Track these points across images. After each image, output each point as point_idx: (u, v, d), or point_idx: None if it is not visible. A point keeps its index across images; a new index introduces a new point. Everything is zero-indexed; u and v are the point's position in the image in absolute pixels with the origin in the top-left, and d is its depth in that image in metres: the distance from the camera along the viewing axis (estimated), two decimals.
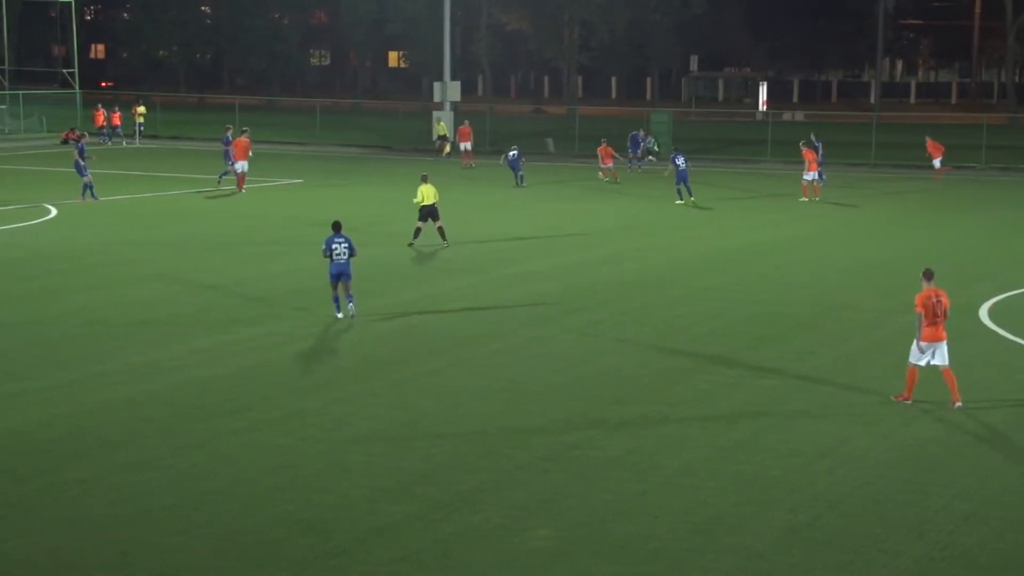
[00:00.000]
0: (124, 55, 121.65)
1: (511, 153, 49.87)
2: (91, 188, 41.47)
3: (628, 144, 56.72)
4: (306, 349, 22.19)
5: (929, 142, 53.52)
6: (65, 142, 65.56)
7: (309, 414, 18.25)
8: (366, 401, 18.97)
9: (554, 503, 14.85)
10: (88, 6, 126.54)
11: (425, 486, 15.33)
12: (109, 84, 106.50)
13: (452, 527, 14.06)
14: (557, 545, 13.62)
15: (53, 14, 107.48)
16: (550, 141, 66.40)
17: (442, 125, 63.59)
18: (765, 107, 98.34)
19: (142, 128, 68.53)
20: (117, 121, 67.18)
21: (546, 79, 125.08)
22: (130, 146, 65.80)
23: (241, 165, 44.73)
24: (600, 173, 51.43)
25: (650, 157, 57.67)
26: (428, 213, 33.04)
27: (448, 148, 61.25)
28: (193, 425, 17.61)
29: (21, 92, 72.35)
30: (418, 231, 33.14)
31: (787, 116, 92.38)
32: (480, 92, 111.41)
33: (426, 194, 32.94)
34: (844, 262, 31.88)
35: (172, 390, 19.33)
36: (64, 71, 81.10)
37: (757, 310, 25.82)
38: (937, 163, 53.23)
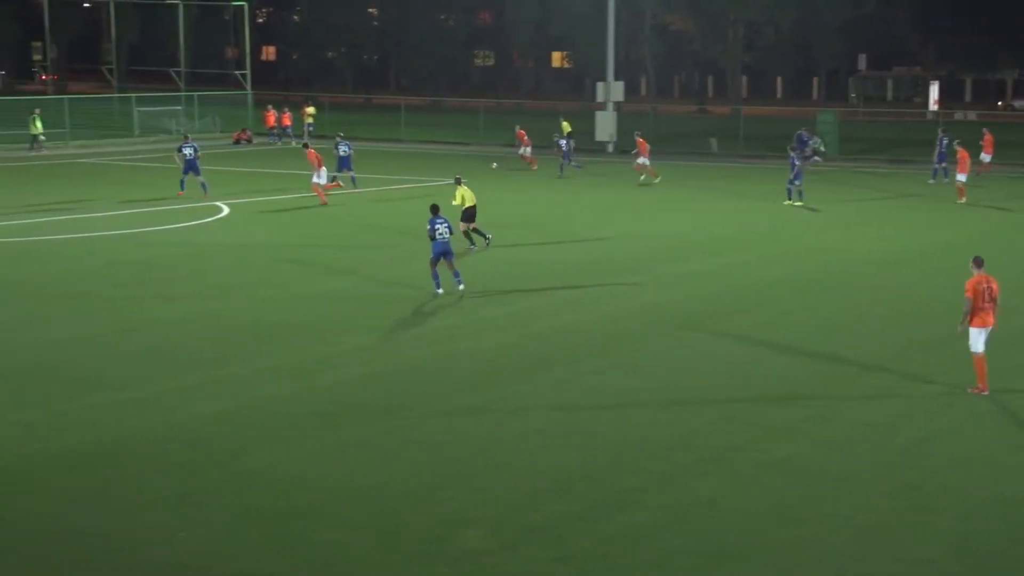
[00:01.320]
0: (294, 57, 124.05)
1: (562, 141, 51.71)
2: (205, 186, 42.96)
3: (794, 144, 55.96)
4: (465, 348, 22.33)
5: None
6: (237, 142, 67.21)
7: (470, 412, 18.38)
8: (526, 400, 19.02)
9: (714, 506, 14.71)
10: (260, 9, 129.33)
11: (586, 485, 15.32)
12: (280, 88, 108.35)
13: (613, 527, 14.03)
14: (717, 547, 13.50)
15: (227, 17, 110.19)
16: (714, 141, 65.86)
17: (565, 125, 63.86)
18: (936, 107, 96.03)
19: (311, 128, 69.71)
20: (287, 122, 68.62)
21: (710, 79, 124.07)
22: (299, 146, 67.02)
23: (320, 174, 42.34)
24: (636, 167, 49.98)
25: (816, 158, 56.85)
26: (470, 215, 32.71)
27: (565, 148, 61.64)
28: (357, 421, 17.86)
29: (196, 93, 74.23)
30: (476, 231, 32.87)
31: (959, 116, 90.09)
32: (643, 92, 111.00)
33: (466, 196, 32.50)
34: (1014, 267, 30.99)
35: (337, 387, 19.63)
36: (237, 73, 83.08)
37: (920, 314, 25.25)
38: (986, 158, 51.15)
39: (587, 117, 70.65)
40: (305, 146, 43.81)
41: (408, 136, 70.18)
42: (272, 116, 68.57)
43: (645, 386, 19.86)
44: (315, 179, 42.06)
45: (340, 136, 48.28)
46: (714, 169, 56.34)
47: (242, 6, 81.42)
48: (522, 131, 56.29)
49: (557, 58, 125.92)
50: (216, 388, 19.37)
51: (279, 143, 67.42)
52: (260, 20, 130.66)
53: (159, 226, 36.17)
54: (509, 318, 24.76)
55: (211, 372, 20.27)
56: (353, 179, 45.85)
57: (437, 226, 26.12)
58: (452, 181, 34.59)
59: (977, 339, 19.03)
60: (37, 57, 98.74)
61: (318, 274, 29.15)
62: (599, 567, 13.06)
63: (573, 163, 53.64)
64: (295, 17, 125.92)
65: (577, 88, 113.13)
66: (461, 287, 26.40)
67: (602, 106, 66.95)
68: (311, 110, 70.73)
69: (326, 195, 42.11)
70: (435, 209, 26.54)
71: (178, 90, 77.82)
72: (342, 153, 45.89)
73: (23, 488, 14.90)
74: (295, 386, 19.54)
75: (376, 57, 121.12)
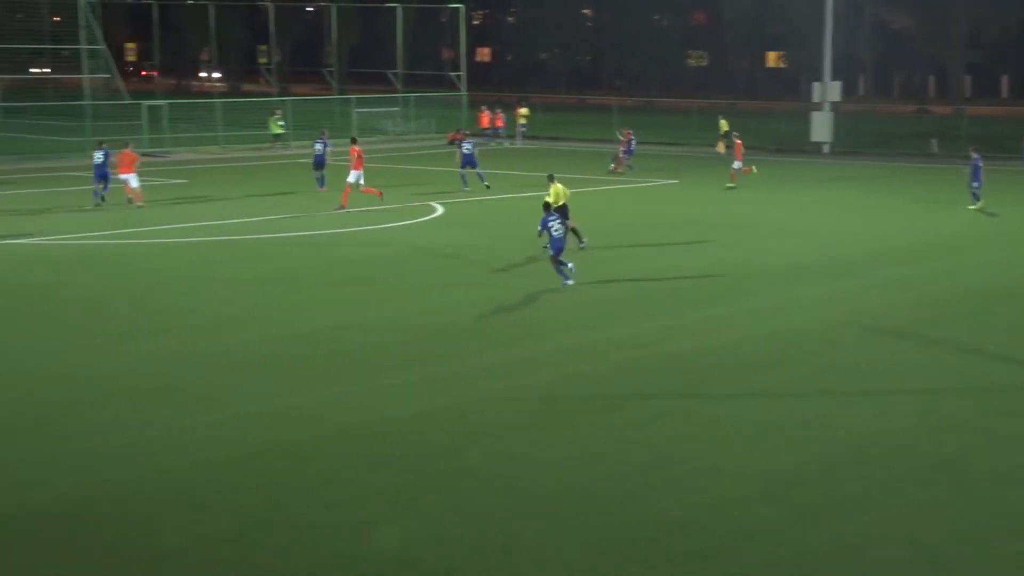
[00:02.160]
0: (508, 58, 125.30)
1: (630, 141, 52.31)
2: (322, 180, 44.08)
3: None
4: (677, 349, 22.21)
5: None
6: (452, 143, 68.18)
7: (683, 413, 18.29)
8: (738, 403, 18.84)
9: (934, 516, 14.32)
10: (476, 11, 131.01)
11: (797, 491, 15.09)
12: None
13: (826, 534, 13.78)
14: (938, 560, 13.14)
15: (443, 19, 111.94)
16: (934, 142, 64.11)
17: (724, 123, 63.25)
18: None
19: (524, 129, 70.27)
20: (500, 123, 69.24)
21: (931, 78, 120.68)
22: (512, 147, 67.67)
23: (355, 175, 40.80)
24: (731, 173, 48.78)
25: None
26: (562, 214, 32.33)
27: (723, 147, 61.00)
28: (568, 420, 17.95)
29: (413, 94, 75.60)
30: (572, 230, 32.19)
31: None
32: (861, 92, 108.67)
33: (559, 194, 31.96)
34: None
35: (548, 385, 19.75)
36: (452, 74, 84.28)
37: None
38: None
39: (802, 118, 69.54)
40: (353, 140, 42.91)
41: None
42: (486, 117, 69.31)
43: (862, 389, 19.46)
44: (350, 179, 40.54)
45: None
46: (934, 171, 54.77)
47: (459, 8, 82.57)
48: (628, 132, 55.17)
49: (772, 57, 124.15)
50: (429, 385, 19.67)
51: (492, 143, 68.15)
52: (476, 22, 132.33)
53: (374, 226, 36.88)
54: (724, 320, 24.55)
55: (425, 369, 20.59)
56: (480, 175, 45.93)
57: (550, 223, 27.01)
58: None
59: None
60: (262, 60, 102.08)
61: (524, 274, 29.34)
62: (810, 575, 12.84)
63: (626, 163, 53.40)
64: (510, 19, 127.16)
65: (792, 88, 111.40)
66: (571, 268, 27.17)
67: (818, 106, 65.83)
68: (524, 111, 71.33)
69: (348, 199, 40.26)
70: (546, 206, 27.95)
71: (395, 91, 79.40)
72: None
73: (252, 478, 15.37)
74: (507, 384, 19.71)
75: (589, 58, 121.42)
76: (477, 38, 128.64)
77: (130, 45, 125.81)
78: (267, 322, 23.95)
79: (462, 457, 16.30)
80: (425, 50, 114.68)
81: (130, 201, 40.53)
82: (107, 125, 60.45)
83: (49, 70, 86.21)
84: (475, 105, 76.84)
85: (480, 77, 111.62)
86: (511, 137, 69.28)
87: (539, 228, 27.70)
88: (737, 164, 48.28)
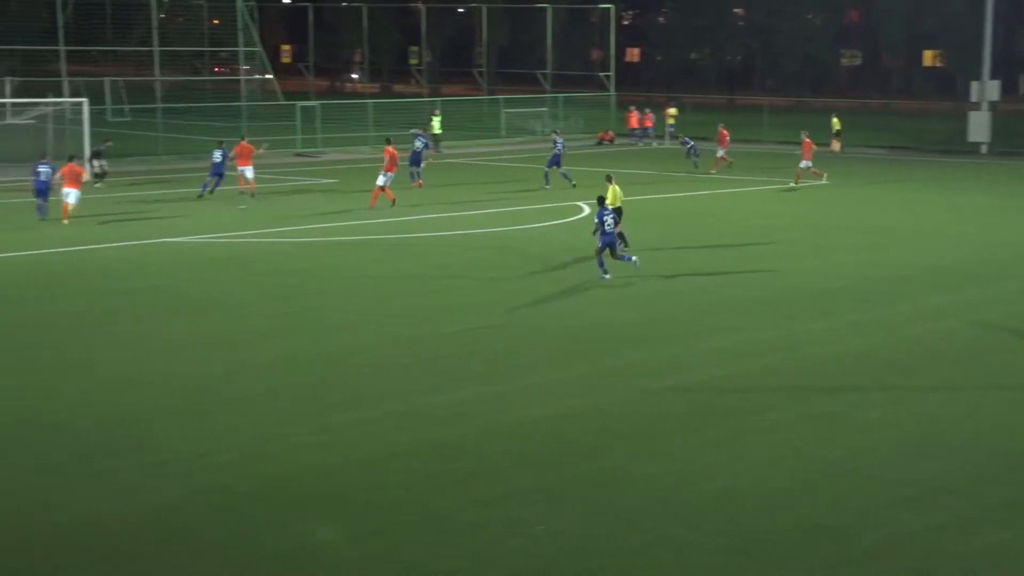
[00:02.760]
0: (658, 58, 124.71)
1: (688, 141, 52.34)
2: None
3: None
4: (826, 352, 21.91)
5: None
6: (600, 143, 68.18)
7: (829, 416, 18.04)
8: (887, 408, 18.53)
9: None
10: (627, 11, 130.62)
11: (949, 497, 14.78)
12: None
13: (979, 542, 13.48)
14: None
15: (593, 20, 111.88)
16: None
17: (836, 121, 62.61)
18: None
19: (673, 130, 69.74)
20: (649, 123, 68.99)
21: None
22: (660, 147, 67.38)
23: (386, 178, 40.28)
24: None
25: None
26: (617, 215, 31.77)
27: (838, 146, 60.13)
28: (711, 422, 17.83)
29: (561, 95, 75.73)
30: (619, 235, 31.91)
31: None
32: (1021, 91, 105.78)
33: (614, 196, 31.45)
34: None
35: (692, 386, 19.64)
36: (601, 74, 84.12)
37: None
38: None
39: (959, 118, 67.98)
40: (388, 141, 42.71)
41: (770, 137, 69.34)
42: (634, 117, 69.09)
43: (1020, 397, 18.98)
44: (379, 181, 40.10)
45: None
46: None
47: (609, 8, 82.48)
48: (725, 130, 54.26)
49: (928, 56, 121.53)
50: (575, 385, 19.70)
51: (640, 144, 67.91)
52: (626, 22, 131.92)
53: (521, 225, 37.03)
54: (874, 323, 24.16)
55: (571, 369, 20.63)
56: (565, 175, 45.72)
57: (605, 217, 27.87)
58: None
59: None
60: (413, 61, 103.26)
61: (667, 275, 29.20)
62: None
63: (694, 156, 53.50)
64: (660, 19, 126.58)
65: (948, 88, 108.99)
66: (635, 259, 28.22)
67: (976, 106, 64.30)
68: (673, 111, 70.86)
69: (378, 200, 39.80)
70: (601, 201, 28.89)
71: (544, 92, 79.61)
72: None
73: (398, 476, 15.56)
74: (653, 384, 19.65)
75: (740, 57, 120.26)
76: (627, 38, 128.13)
77: (285, 47, 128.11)
78: (416, 321, 24.20)
79: (606, 457, 16.30)
80: (575, 50, 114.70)
81: (242, 193, 42.00)
82: (262, 126, 61.72)
83: (217, 70, 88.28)
84: (623, 105, 76.61)
85: (629, 77, 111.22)
86: (660, 137, 68.98)
87: (595, 222, 28.39)
88: (805, 163, 47.27)
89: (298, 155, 59.12)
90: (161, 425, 17.41)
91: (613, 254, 28.10)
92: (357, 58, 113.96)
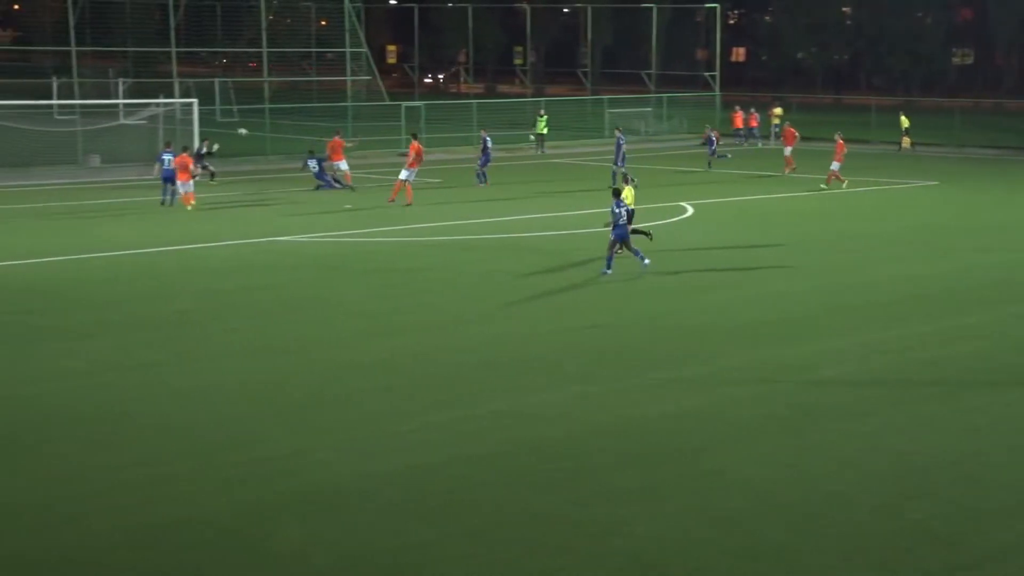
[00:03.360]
0: (763, 58, 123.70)
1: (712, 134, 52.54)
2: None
3: None
4: (940, 354, 21.56)
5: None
6: (704, 143, 67.68)
7: (937, 420, 17.73)
8: (1000, 412, 18.17)
9: None
10: (732, 10, 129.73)
11: None
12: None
13: None
14: None
15: (699, 19, 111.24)
16: None
17: (904, 119, 61.71)
18: None
19: (778, 130, 69.23)
20: (754, 123, 68.45)
21: None
22: (764, 147, 66.77)
23: (409, 173, 41.31)
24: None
25: None
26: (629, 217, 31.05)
27: (907, 143, 59.00)
28: (818, 425, 17.60)
29: (665, 95, 75.40)
30: (634, 231, 31.22)
31: None
32: None
33: (628, 196, 30.81)
34: None
35: (799, 389, 19.42)
36: (706, 74, 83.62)
37: None
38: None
39: None
40: (414, 136, 43.63)
41: (877, 137, 68.41)
42: (739, 117, 68.59)
43: None
44: (402, 176, 41.00)
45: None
46: None
47: (715, 8, 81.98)
48: (791, 129, 53.31)
49: None
50: (680, 386, 19.59)
51: (745, 144, 67.37)
52: (732, 21, 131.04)
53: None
54: (981, 327, 23.73)
55: (676, 370, 20.52)
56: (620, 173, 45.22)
57: (618, 210, 28.28)
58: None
59: None
60: (518, 61, 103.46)
61: (774, 276, 28.94)
62: None
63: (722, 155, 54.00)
64: (766, 18, 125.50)
65: None
66: (647, 262, 28.47)
67: None
68: (778, 111, 70.24)
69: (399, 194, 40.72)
70: (616, 194, 29.06)
71: (648, 92, 79.32)
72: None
73: (500, 474, 15.57)
74: (757, 387, 19.48)
75: (847, 56, 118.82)
76: (732, 38, 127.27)
77: (391, 47, 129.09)
78: (517, 321, 24.22)
79: (710, 458, 16.17)
80: (679, 50, 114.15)
81: (342, 184, 44.38)
82: (367, 126, 62.20)
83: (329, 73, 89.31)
84: (729, 105, 76.06)
85: (734, 77, 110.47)
86: (765, 137, 68.38)
87: (611, 216, 28.59)
88: (836, 165, 46.23)
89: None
90: (268, 423, 17.58)
91: (628, 247, 28.55)
92: (461, 58, 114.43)
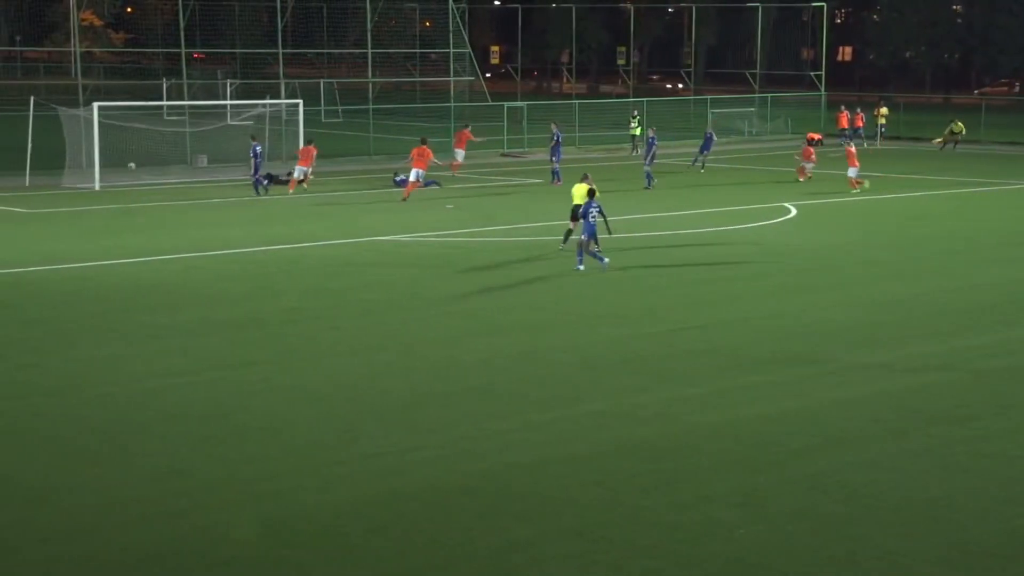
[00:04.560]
0: (871, 57, 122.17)
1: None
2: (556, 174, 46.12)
3: None
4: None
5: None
6: (810, 143, 66.93)
7: (973, 440, 17.45)
8: None
9: None
10: (840, 9, 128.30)
11: None
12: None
13: None
14: None
15: (805, 18, 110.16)
16: None
17: (958, 125, 61.00)
18: None
19: (884, 130, 68.48)
20: (860, 123, 67.51)
21: None
22: (871, 147, 65.91)
23: (416, 173, 42.74)
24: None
25: None
26: (576, 214, 30.76)
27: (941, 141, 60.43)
28: (922, 429, 17.41)
29: (769, 95, 74.82)
30: (567, 233, 31.22)
31: None
32: None
33: (575, 194, 30.86)
34: None
35: (903, 393, 19.21)
36: (811, 74, 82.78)
37: None
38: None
39: None
40: (423, 141, 44.17)
41: (988, 137, 67.28)
42: (844, 117, 67.67)
43: None
44: (411, 176, 42.76)
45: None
46: None
47: (822, 7, 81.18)
48: (810, 144, 52.75)
49: None
50: (782, 388, 19.48)
51: (850, 144, 66.50)
52: (838, 20, 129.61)
53: (728, 227, 36.71)
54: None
55: (779, 372, 20.40)
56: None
57: (592, 209, 28.53)
58: None
59: None
60: (621, 61, 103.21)
61: (878, 278, 28.64)
62: None
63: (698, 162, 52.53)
64: (875, 16, 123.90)
65: None
66: (606, 260, 28.70)
67: None
68: (884, 111, 69.39)
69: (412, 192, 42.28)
70: (591, 193, 29.23)
71: (752, 91, 78.73)
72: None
73: (598, 475, 15.61)
74: (859, 390, 19.30)
75: (957, 56, 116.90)
76: (839, 37, 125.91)
77: (494, 48, 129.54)
78: (619, 321, 24.22)
79: (810, 462, 16.06)
80: (785, 49, 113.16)
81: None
82: (469, 126, 62.46)
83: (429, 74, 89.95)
84: (834, 105, 75.16)
85: (841, 76, 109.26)
86: (871, 138, 67.51)
87: (593, 213, 28.67)
88: (853, 171, 45.22)
89: (504, 155, 59.71)
90: (370, 420, 17.78)
91: (586, 247, 28.73)
92: (564, 58, 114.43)
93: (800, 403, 18.68)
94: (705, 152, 52.03)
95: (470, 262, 30.72)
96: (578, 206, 30.29)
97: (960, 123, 64.12)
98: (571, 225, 31.17)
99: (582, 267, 28.86)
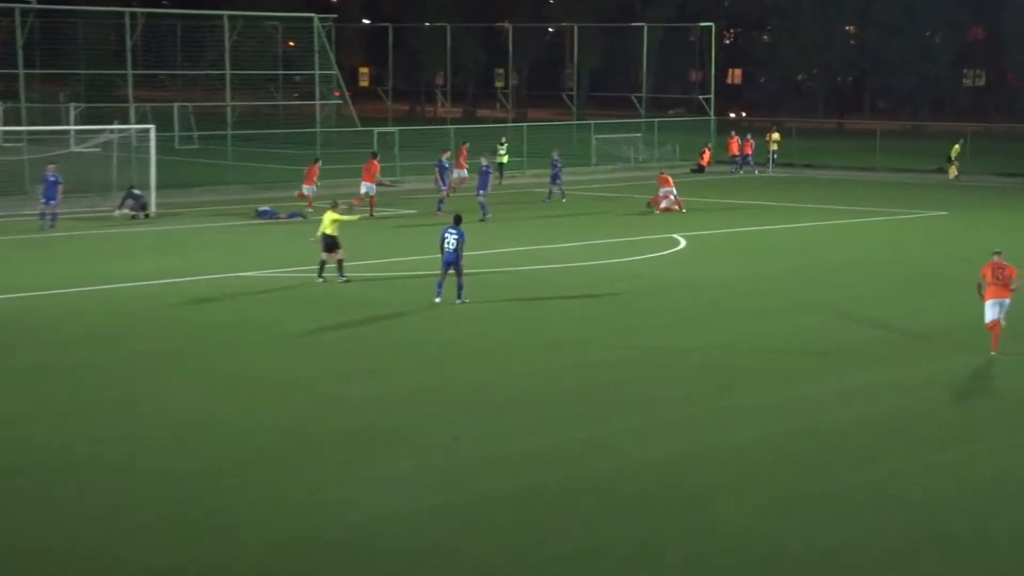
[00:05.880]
0: (761, 80, 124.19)
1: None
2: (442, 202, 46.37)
3: None
4: (956, 393, 21.72)
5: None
6: (699, 170, 67.84)
7: (952, 467, 17.81)
8: (1001, 459, 18.32)
9: None
10: (728, 29, 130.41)
11: None
12: (739, 114, 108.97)
13: None
14: None
15: (692, 39, 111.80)
16: None
17: (956, 147, 63.32)
18: None
19: (775, 156, 69.49)
20: (749, 149, 68.55)
21: None
22: (762, 175, 66.97)
23: (367, 187, 46.82)
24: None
25: None
26: (328, 244, 31.53)
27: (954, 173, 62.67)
28: (822, 472, 17.67)
29: (656, 120, 75.55)
30: (322, 265, 31.75)
31: None
32: None
33: (325, 222, 31.56)
34: None
35: (803, 432, 19.48)
36: (699, 97, 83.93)
37: None
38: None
39: None
40: (373, 155, 48.48)
41: (883, 164, 68.77)
42: (735, 143, 68.73)
43: None
44: (363, 189, 46.69)
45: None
46: None
47: (710, 27, 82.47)
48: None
49: None
50: (678, 429, 19.68)
51: (740, 172, 67.57)
52: (727, 41, 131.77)
53: (617, 259, 36.93)
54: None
55: (664, 413, 20.62)
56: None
57: (446, 236, 28.66)
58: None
59: (989, 312, 24.32)
60: (499, 84, 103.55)
61: (784, 309, 29.07)
62: None
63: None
64: (765, 37, 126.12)
65: None
66: (459, 301, 28.66)
67: None
68: (776, 136, 70.32)
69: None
70: (457, 219, 29.20)
71: (638, 116, 79.51)
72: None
73: (478, 523, 15.54)
74: (759, 431, 19.51)
75: (851, 79, 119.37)
76: (728, 58, 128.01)
77: (363, 69, 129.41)
78: (508, 358, 24.29)
79: (709, 508, 16.17)
80: (671, 72, 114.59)
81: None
82: (337, 153, 62.24)
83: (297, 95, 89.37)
84: (724, 130, 76.34)
85: (730, 100, 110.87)
86: (762, 165, 68.53)
87: (450, 241, 28.73)
88: (666, 190, 48.15)
89: (383, 184, 59.43)
90: (249, 461, 17.63)
91: (449, 274, 28.81)
92: (439, 81, 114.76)
93: (698, 444, 18.87)
94: (558, 181, 52.29)
95: (331, 300, 30.46)
96: (328, 236, 30.96)
97: (957, 146, 65.44)
98: (323, 256, 31.50)
99: (439, 300, 28.94)
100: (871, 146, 71.47)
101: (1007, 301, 24.45)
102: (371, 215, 45.61)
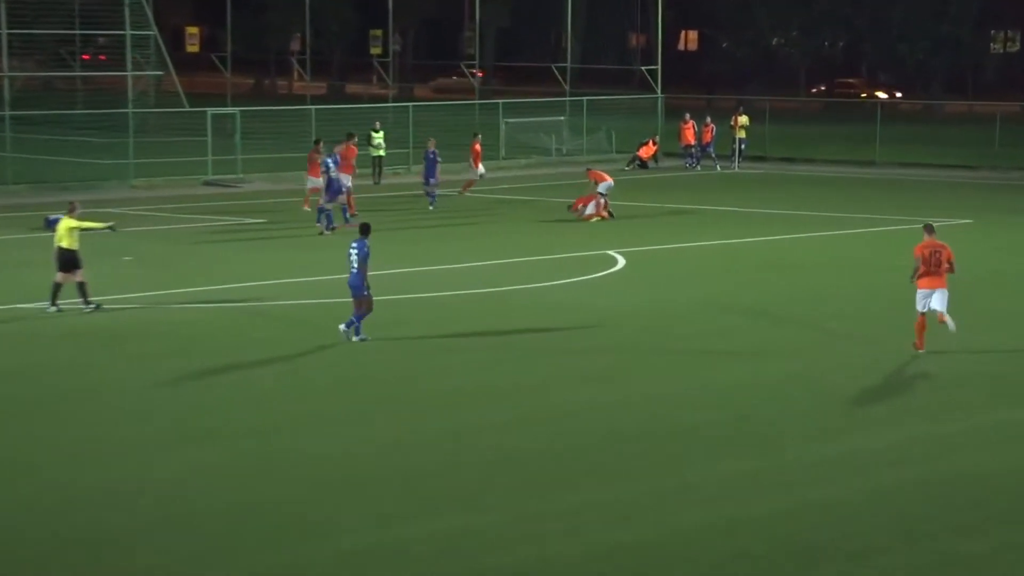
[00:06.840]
0: (723, 45, 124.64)
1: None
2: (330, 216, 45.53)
3: None
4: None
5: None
6: (640, 164, 67.81)
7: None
8: None
9: None
10: None
11: None
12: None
13: None
14: None
15: None
16: None
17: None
18: None
19: (743, 147, 68.99)
20: (708, 137, 68.32)
21: None
22: (725, 171, 67.08)
23: (346, 178, 47.08)
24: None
25: None
26: (65, 260, 31.68)
27: None
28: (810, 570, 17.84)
29: (585, 98, 75.12)
30: (56, 289, 31.88)
31: None
32: None
33: (60, 231, 31.82)
34: None
35: (777, 517, 19.56)
36: (642, 68, 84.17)
37: None
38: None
39: None
40: (350, 136, 49.67)
41: (884, 157, 69.25)
42: (690, 130, 68.60)
43: None
44: (310, 183, 48.32)
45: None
46: None
47: None
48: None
49: None
50: (627, 508, 19.65)
51: (697, 167, 67.76)
52: None
53: (541, 282, 36.86)
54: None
55: (612, 488, 20.68)
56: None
57: (350, 251, 29.54)
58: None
59: (920, 301, 27.19)
60: (376, 50, 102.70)
61: (737, 354, 29.39)
62: None
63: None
64: None
65: None
66: (355, 339, 29.40)
67: None
68: (744, 120, 69.43)
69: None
70: (363, 229, 30.17)
71: (561, 93, 79.20)
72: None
73: None
74: (721, 511, 19.47)
75: (841, 44, 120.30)
76: (679, 19, 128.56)
77: (192, 30, 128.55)
78: (407, 415, 24.23)
79: None
80: (605, 37, 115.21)
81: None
82: (155, 142, 61.75)
83: (96, 63, 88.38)
84: (676, 113, 76.19)
85: (683, 73, 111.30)
86: (724, 159, 68.46)
87: (352, 257, 29.36)
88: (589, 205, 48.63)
89: (208, 184, 58.94)
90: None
91: (356, 305, 29.52)
92: (294, 47, 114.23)
93: (658, 529, 19.04)
94: (432, 181, 51.58)
95: (157, 341, 30.19)
96: (65, 251, 30.94)
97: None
98: (58, 278, 31.32)
99: (342, 327, 29.35)
100: (870, 133, 71.96)
101: (944, 291, 26.54)
102: (346, 219, 45.46)
